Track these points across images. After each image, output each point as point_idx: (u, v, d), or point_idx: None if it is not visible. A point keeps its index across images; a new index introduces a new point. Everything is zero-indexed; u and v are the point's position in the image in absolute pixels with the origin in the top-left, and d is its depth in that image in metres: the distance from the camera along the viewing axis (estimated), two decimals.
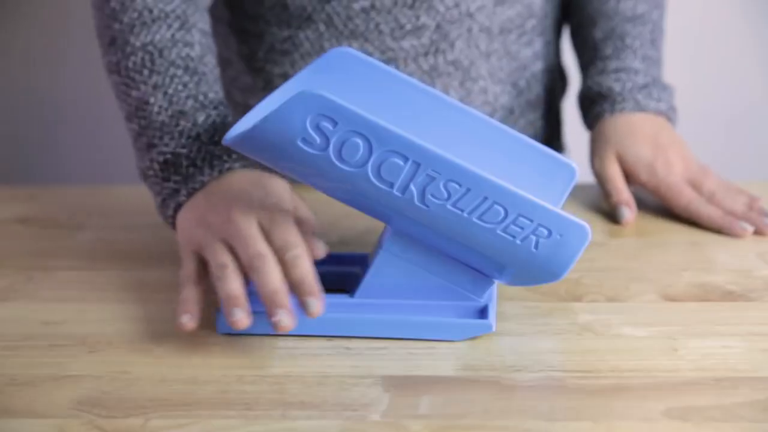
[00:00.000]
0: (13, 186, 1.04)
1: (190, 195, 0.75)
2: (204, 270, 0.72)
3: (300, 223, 0.72)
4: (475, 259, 0.68)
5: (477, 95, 0.98)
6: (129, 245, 0.85)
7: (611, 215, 0.90)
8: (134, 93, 0.79)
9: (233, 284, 0.68)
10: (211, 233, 0.72)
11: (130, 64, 0.80)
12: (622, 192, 0.90)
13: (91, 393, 0.63)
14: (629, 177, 0.91)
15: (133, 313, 0.74)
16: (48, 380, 0.65)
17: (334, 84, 0.74)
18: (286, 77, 0.95)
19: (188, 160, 0.76)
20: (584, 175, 1.14)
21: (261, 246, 0.70)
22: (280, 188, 0.74)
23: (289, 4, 0.93)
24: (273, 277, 0.68)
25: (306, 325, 0.69)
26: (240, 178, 0.75)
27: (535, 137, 1.05)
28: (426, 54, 0.94)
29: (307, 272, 0.68)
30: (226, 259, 0.70)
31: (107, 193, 0.99)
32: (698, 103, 1.61)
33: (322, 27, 0.93)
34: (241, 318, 0.67)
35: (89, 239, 0.87)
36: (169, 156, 0.77)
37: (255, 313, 0.69)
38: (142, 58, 0.80)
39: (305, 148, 0.64)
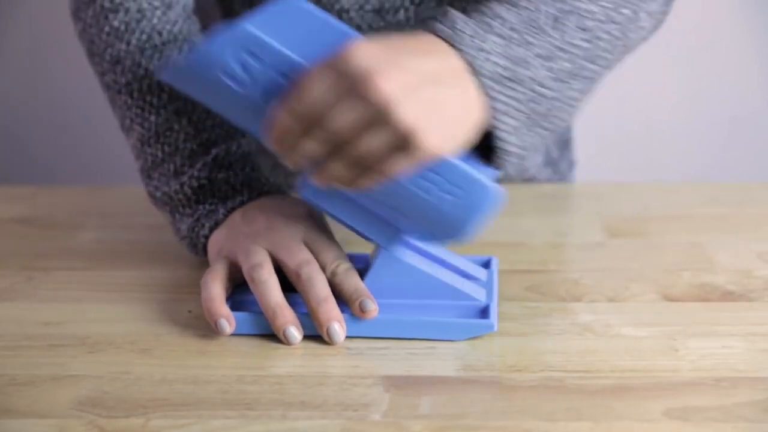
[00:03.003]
0: (13, 186, 1.04)
1: (228, 214, 0.76)
2: (231, 274, 0.73)
3: None
4: (385, 211, 0.68)
5: None
6: (129, 245, 0.85)
7: (611, 216, 0.90)
8: (153, 118, 0.80)
9: (274, 292, 0.69)
10: (249, 239, 0.73)
11: (145, 87, 0.80)
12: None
13: (92, 393, 0.63)
14: None
15: (133, 313, 0.74)
16: (48, 380, 0.65)
17: (273, 27, 0.72)
18: None
19: (227, 185, 0.77)
20: (585, 174, 1.14)
21: (308, 254, 0.71)
22: (316, 213, 0.76)
23: None
24: (323, 286, 0.69)
25: (308, 325, 0.69)
26: (278, 200, 0.77)
27: (544, 162, 1.03)
28: None
29: (360, 282, 0.70)
30: (263, 258, 0.71)
31: (107, 193, 0.99)
32: (699, 105, 1.61)
33: None
34: (296, 335, 0.68)
35: (89, 239, 0.87)
36: (204, 181, 0.77)
37: (257, 313, 0.70)
38: (159, 83, 0.79)
39: (231, 84, 0.64)
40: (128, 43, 0.81)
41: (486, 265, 0.78)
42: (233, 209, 0.76)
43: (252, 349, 0.68)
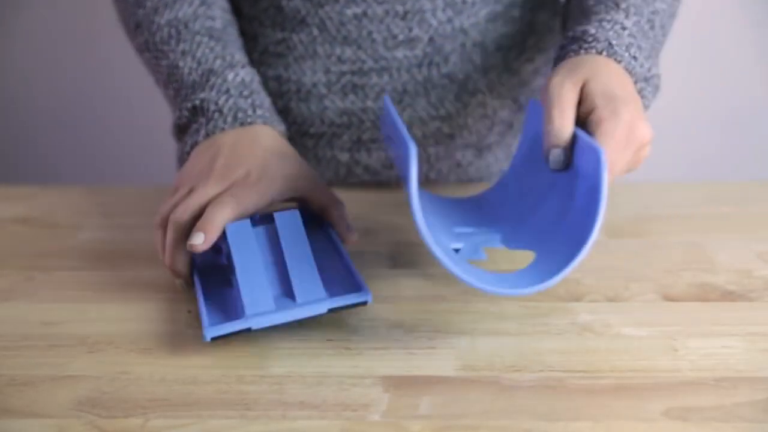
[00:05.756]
0: (13, 186, 1.04)
1: (208, 136, 0.81)
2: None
3: (328, 208, 0.79)
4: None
5: (474, 108, 0.98)
6: (129, 245, 0.85)
7: (611, 216, 0.89)
8: (164, 62, 0.87)
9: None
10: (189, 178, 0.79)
11: (158, 39, 0.87)
12: (566, 127, 0.72)
13: (91, 393, 0.63)
14: (580, 103, 0.74)
15: (133, 313, 0.74)
16: (48, 380, 0.65)
17: None
18: (279, 80, 0.96)
19: (215, 106, 0.82)
20: None
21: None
22: (280, 163, 0.79)
23: (283, 6, 0.94)
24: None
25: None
26: (262, 142, 0.81)
27: None
28: (420, 65, 0.95)
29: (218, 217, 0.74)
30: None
31: (107, 193, 0.98)
32: (697, 103, 1.61)
33: (315, 31, 0.94)
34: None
35: (89, 239, 0.87)
36: (197, 102, 0.83)
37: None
38: (169, 33, 0.87)
39: None
40: (144, 7, 0.89)
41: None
42: (213, 133, 0.81)
43: (251, 349, 0.68)
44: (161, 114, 1.58)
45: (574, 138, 0.71)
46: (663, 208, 0.91)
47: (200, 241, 0.72)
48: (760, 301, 0.74)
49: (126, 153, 1.62)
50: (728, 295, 0.75)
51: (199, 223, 0.73)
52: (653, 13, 0.82)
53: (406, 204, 0.95)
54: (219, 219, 0.73)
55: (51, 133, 1.65)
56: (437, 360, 0.67)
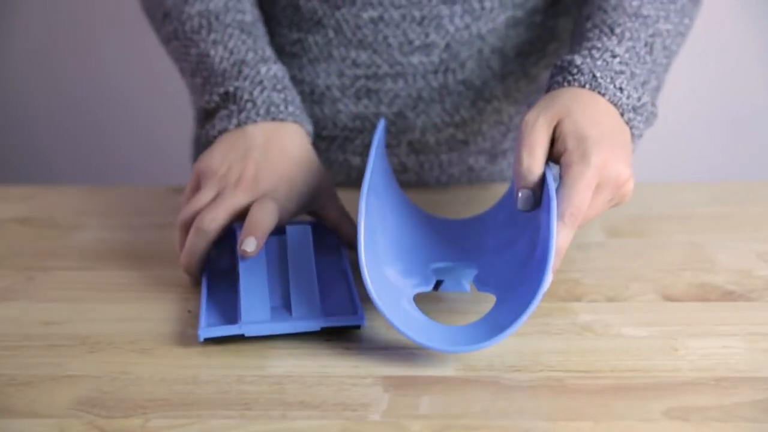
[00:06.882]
0: (13, 186, 1.04)
1: (239, 125, 0.81)
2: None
3: (340, 225, 0.80)
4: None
5: (489, 115, 0.97)
6: (129, 245, 0.85)
7: (611, 216, 0.89)
8: (193, 50, 0.86)
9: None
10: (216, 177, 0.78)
11: (188, 28, 0.87)
12: (534, 169, 0.71)
13: (91, 393, 0.63)
14: (555, 141, 0.73)
15: (133, 313, 0.74)
16: (48, 380, 0.65)
17: None
18: (293, 81, 0.96)
19: (249, 96, 0.82)
20: None
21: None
22: (306, 176, 0.79)
23: (301, 6, 0.94)
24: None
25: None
26: (292, 150, 0.81)
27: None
28: (435, 72, 0.95)
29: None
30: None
31: (107, 193, 0.98)
32: (700, 104, 1.61)
33: (331, 33, 0.93)
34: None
35: (89, 239, 0.87)
36: (231, 89, 0.83)
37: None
38: (199, 23, 0.86)
39: None
40: None
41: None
42: (245, 123, 0.81)
43: (251, 349, 0.68)
44: (161, 114, 1.58)
45: (545, 180, 0.70)
46: (663, 208, 0.91)
47: (253, 247, 0.72)
48: (760, 301, 0.75)
49: (126, 153, 1.62)
50: (728, 295, 0.75)
51: (247, 227, 0.73)
52: (653, 35, 0.79)
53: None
54: (268, 221, 0.74)
55: (51, 133, 1.65)
56: (437, 360, 0.67)
